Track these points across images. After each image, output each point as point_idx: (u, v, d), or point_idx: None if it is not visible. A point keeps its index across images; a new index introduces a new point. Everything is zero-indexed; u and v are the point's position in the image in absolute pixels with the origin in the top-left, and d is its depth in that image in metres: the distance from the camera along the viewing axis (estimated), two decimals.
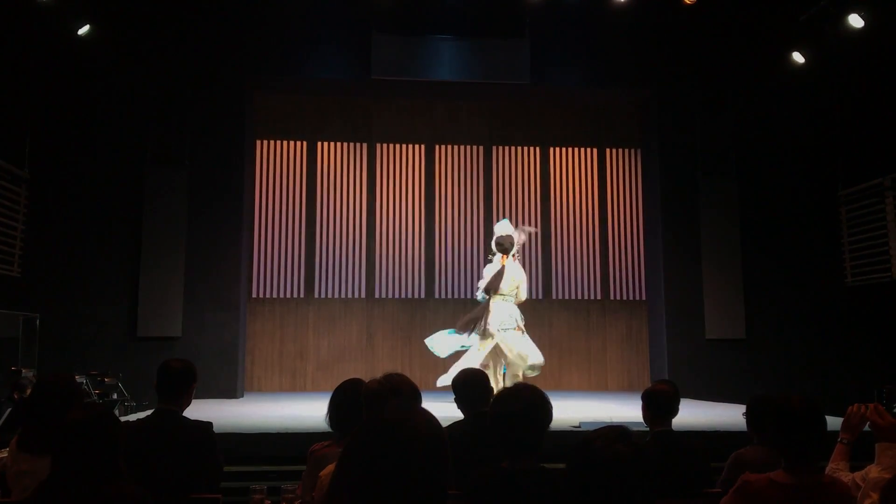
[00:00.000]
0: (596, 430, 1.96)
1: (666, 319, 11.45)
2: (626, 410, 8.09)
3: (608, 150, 13.42)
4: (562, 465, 1.98)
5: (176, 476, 3.30)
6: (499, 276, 8.34)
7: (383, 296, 12.75)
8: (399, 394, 2.96)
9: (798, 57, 11.01)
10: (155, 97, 10.77)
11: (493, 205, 13.08)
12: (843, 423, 2.90)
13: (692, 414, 7.72)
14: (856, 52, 10.62)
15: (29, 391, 5.15)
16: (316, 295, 12.66)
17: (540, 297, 12.91)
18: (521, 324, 8.38)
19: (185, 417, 3.57)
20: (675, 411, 3.87)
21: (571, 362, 12.73)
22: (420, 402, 3.21)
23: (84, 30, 10.25)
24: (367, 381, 3.27)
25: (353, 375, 3.65)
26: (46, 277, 10.48)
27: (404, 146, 13.06)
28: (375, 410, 1.44)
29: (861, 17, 9.92)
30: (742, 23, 11.24)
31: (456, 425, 3.61)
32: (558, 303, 13.05)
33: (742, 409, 4.01)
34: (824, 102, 11.63)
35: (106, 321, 10.54)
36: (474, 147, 13.20)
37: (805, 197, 11.84)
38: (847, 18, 10.03)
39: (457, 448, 1.65)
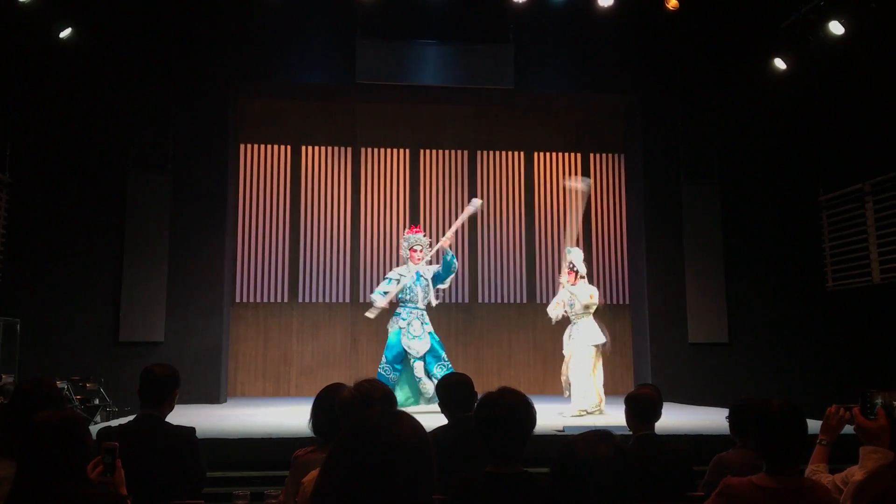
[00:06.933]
0: (579, 434, 1.97)
1: (649, 323, 11.50)
2: (610, 414, 8.12)
3: (592, 155, 13.46)
4: (545, 470, 1.99)
5: (158, 482, 3.28)
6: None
7: (368, 301, 12.69)
8: (372, 400, 2.95)
9: (779, 63, 11.11)
10: (138, 101, 10.70)
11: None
12: (823, 424, 2.94)
13: (675, 417, 7.76)
14: (836, 59, 10.73)
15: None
16: (300, 299, 12.62)
17: (524, 300, 12.94)
18: None
19: (167, 423, 3.55)
20: (657, 415, 3.90)
21: (556, 366, 12.69)
22: (395, 405, 3.20)
23: (66, 33, 10.19)
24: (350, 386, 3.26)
25: (337, 380, 3.63)
26: (27, 282, 10.38)
27: (388, 150, 13.05)
28: (350, 419, 1.44)
29: (841, 24, 10.02)
30: (724, 29, 11.34)
31: (440, 429, 3.61)
32: (542, 307, 13.03)
33: (725, 412, 4.03)
34: (805, 108, 11.73)
35: (88, 326, 10.46)
36: (459, 152, 13.21)
37: (786, 202, 11.93)
38: (828, 25, 10.13)
39: (441, 452, 1.65)
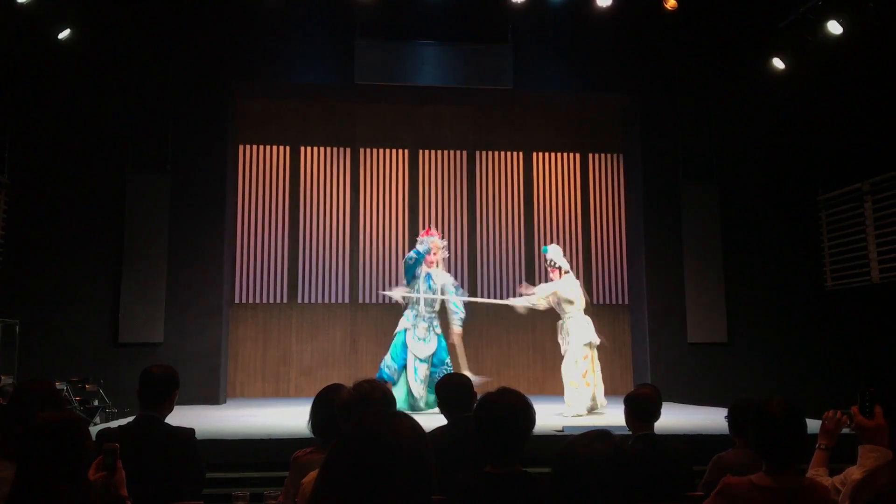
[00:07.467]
0: (578, 434, 1.98)
1: (648, 323, 11.50)
2: (610, 414, 8.12)
3: (591, 156, 13.46)
4: (545, 470, 1.99)
5: (158, 483, 3.28)
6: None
7: (367, 301, 12.71)
8: (371, 401, 2.95)
9: (778, 63, 11.11)
10: (136, 102, 10.69)
11: (476, 210, 13.09)
12: (821, 429, 2.94)
13: (674, 417, 7.76)
14: (835, 59, 10.73)
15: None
16: (299, 300, 12.61)
17: None
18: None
19: (167, 424, 3.55)
20: (657, 415, 3.90)
21: (555, 367, 12.67)
22: (394, 406, 3.20)
23: (65, 34, 10.18)
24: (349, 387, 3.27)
25: (336, 381, 3.63)
26: (26, 283, 10.37)
27: (388, 151, 13.05)
28: (349, 420, 1.44)
29: (839, 23, 10.03)
30: (723, 29, 11.34)
31: (439, 430, 3.61)
32: None
33: (724, 412, 4.03)
34: (804, 108, 11.73)
35: (87, 327, 10.45)
36: (458, 152, 13.20)
37: (785, 201, 11.93)
38: (826, 25, 10.13)
39: (440, 453, 1.65)
